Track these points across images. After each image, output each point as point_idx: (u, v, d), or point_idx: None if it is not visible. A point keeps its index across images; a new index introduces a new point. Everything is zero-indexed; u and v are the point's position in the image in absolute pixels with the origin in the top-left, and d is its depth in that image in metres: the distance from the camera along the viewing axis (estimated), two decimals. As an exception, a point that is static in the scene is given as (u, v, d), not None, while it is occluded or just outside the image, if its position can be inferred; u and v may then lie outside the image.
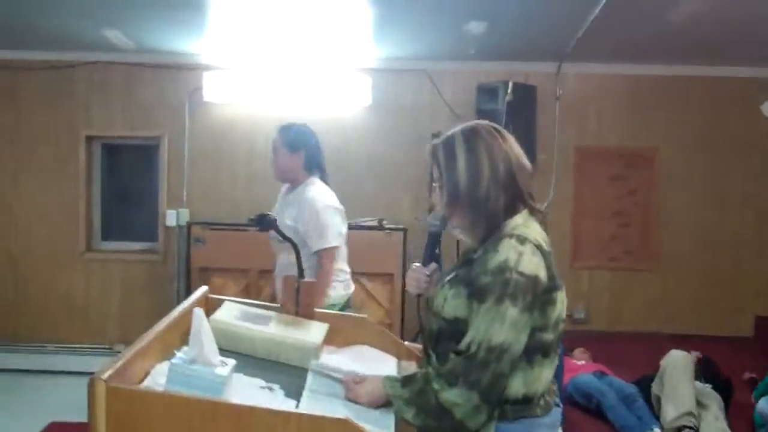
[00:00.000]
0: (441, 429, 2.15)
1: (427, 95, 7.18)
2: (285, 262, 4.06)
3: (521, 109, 6.55)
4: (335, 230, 4.02)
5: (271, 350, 2.45)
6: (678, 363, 5.28)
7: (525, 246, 2.20)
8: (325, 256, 3.96)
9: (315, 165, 4.19)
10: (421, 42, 6.51)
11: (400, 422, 2.17)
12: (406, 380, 2.23)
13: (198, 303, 2.64)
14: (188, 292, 6.29)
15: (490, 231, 2.27)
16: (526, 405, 2.23)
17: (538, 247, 2.23)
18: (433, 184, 2.41)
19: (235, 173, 7.22)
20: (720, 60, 6.95)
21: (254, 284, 6.41)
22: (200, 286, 6.05)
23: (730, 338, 6.93)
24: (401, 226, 6.71)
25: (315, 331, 2.58)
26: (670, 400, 5.07)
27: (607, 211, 7.28)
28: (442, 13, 5.59)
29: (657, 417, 5.09)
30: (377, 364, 2.58)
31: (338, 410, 2.14)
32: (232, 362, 1.98)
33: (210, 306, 2.72)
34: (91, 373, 1.81)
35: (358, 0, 5.25)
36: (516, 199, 2.30)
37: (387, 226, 6.71)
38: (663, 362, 5.39)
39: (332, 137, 7.17)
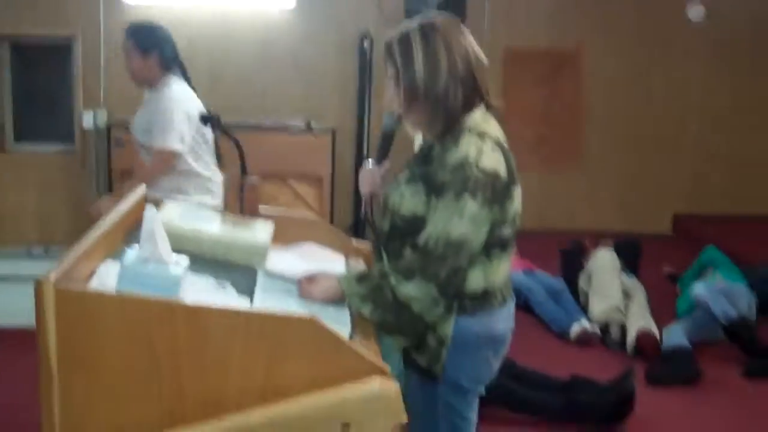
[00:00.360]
0: (398, 323, 2.14)
1: (354, -5, 7.00)
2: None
3: (452, 10, 6.41)
4: (177, 134, 3.70)
5: (218, 250, 2.37)
6: (606, 262, 5.41)
7: (485, 142, 2.16)
8: (158, 156, 3.69)
9: (172, 64, 3.87)
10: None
11: (355, 319, 2.14)
12: (362, 277, 2.20)
13: (138, 202, 2.53)
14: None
15: (449, 127, 2.22)
16: (484, 298, 2.23)
17: (497, 143, 2.20)
18: (388, 81, 2.33)
19: (155, 74, 6.96)
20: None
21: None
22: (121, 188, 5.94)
23: (651, 235, 7.11)
24: (329, 127, 6.61)
25: (262, 230, 2.52)
26: (597, 294, 5.20)
27: (534, 112, 7.30)
28: None
29: (584, 310, 5.24)
30: (325, 262, 2.54)
31: (292, 308, 2.10)
32: (185, 260, 1.90)
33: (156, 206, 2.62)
34: (10, 277, 1.72)
35: None
36: (474, 94, 2.25)
37: (314, 127, 6.60)
38: (591, 259, 5.52)
39: (256, 36, 6.99)
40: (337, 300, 2.19)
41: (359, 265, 2.63)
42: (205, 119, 2.78)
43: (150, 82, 3.84)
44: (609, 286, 5.23)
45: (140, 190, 2.63)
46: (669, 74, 7.41)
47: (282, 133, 6.39)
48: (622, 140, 7.36)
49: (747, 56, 7.47)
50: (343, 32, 7.00)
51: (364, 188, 2.45)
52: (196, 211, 2.58)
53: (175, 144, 3.65)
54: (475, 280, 2.20)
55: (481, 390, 2.33)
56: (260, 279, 2.28)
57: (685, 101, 7.48)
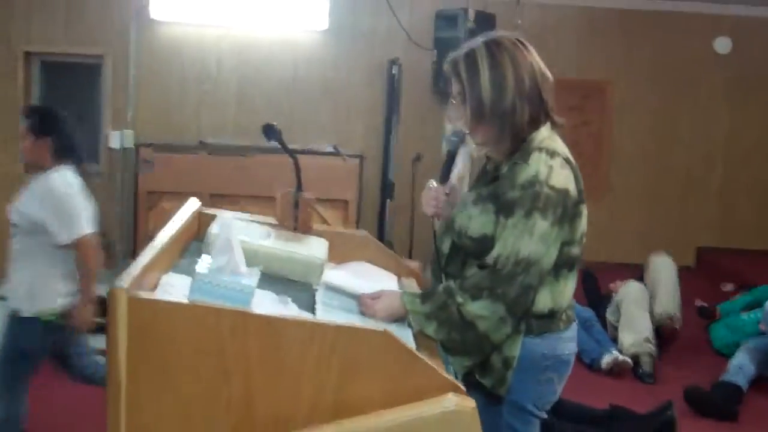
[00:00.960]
0: (464, 343, 2.09)
1: (385, 21, 7.00)
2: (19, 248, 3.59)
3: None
4: (85, 217, 3.53)
5: (275, 265, 2.33)
6: (634, 294, 5.36)
7: (555, 159, 2.13)
8: (83, 245, 3.53)
9: (67, 153, 3.64)
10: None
11: (418, 337, 2.10)
12: (426, 295, 2.16)
13: (191, 216, 2.51)
14: (135, 216, 6.12)
15: (516, 145, 2.20)
16: (551, 319, 2.19)
17: (567, 160, 2.18)
18: (452, 100, 2.31)
19: (184, 95, 6.98)
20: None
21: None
22: (147, 210, 5.94)
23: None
24: (357, 154, 6.60)
25: (317, 247, 2.49)
26: (626, 326, 5.15)
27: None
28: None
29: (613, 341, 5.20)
30: (378, 280, 2.50)
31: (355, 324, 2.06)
32: (256, 272, 1.87)
33: (202, 220, 2.60)
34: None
35: None
36: (540, 111, 2.22)
37: (343, 152, 6.58)
38: (620, 291, 5.47)
39: (285, 60, 7.01)
40: (400, 318, 2.15)
41: (411, 284, 2.59)
42: (268, 130, 2.75)
43: (40, 167, 3.64)
44: (638, 318, 5.18)
45: (194, 204, 2.60)
46: (695, 107, 7.40)
47: (310, 157, 6.36)
48: (647, 172, 7.33)
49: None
50: (372, 57, 7.02)
51: (428, 209, 2.40)
52: (249, 226, 2.54)
53: (88, 227, 3.52)
54: (543, 301, 2.16)
55: (544, 414, 2.28)
56: (320, 295, 2.24)
57: (711, 134, 7.46)
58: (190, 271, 2.12)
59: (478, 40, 2.27)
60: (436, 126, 6.87)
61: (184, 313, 1.70)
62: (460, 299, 2.06)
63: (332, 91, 7.04)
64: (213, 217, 2.59)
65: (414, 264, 2.76)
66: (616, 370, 4.89)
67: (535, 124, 2.21)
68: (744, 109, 7.44)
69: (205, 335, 1.70)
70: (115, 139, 6.85)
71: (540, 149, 2.15)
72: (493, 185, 2.21)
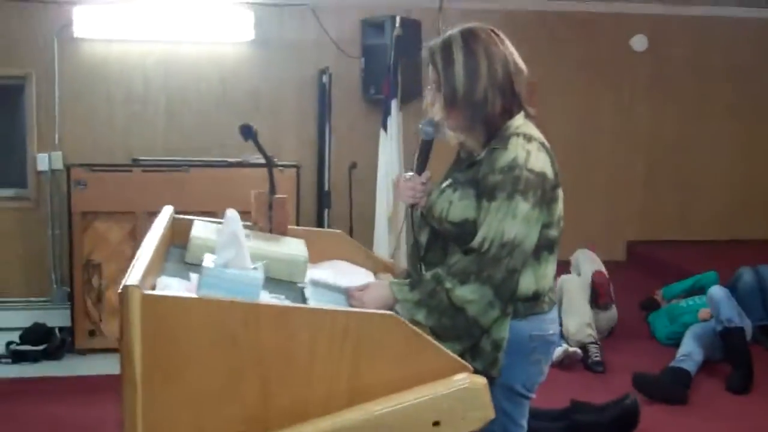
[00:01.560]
0: (455, 327, 2.12)
1: (312, 31, 7.02)
2: None
3: (408, 45, 6.52)
4: None
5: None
6: (576, 282, 5.50)
7: (532, 144, 2.20)
8: None
9: None
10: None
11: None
12: (414, 283, 2.19)
13: (167, 223, 2.49)
14: (70, 238, 5.97)
15: (490, 133, 2.26)
16: (535, 301, 2.25)
17: (543, 144, 2.25)
18: (428, 87, 2.36)
19: (112, 114, 6.85)
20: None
21: (141, 227, 6.11)
22: (82, 231, 5.81)
23: (605, 262, 7.23)
24: (294, 163, 6.59)
25: (296, 246, 2.49)
26: (569, 313, 5.27)
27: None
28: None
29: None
30: (356, 277, 2.52)
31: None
32: (261, 266, 1.87)
33: (178, 227, 2.58)
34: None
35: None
36: (513, 101, 2.29)
37: (279, 163, 6.55)
38: (558, 283, 5.58)
39: (213, 73, 6.96)
40: (389, 308, 2.17)
41: (388, 279, 2.61)
42: (245, 130, 2.75)
43: None
44: (579, 304, 5.32)
45: (168, 210, 2.59)
46: (618, 103, 7.64)
47: (246, 169, 6.32)
48: (575, 170, 7.49)
49: (689, 85, 7.73)
50: (302, 67, 7.02)
51: (407, 199, 2.44)
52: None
53: None
54: (527, 283, 2.21)
55: (533, 395, 2.33)
56: (308, 292, 2.25)
57: (634, 130, 7.70)
58: (180, 274, 2.12)
59: (455, 30, 2.34)
60: (369, 133, 6.91)
61: (197, 307, 1.70)
62: (448, 285, 2.10)
63: (263, 102, 7.02)
64: (188, 223, 2.58)
65: (388, 260, 2.80)
66: (567, 362, 4.99)
67: (507, 115, 2.28)
68: (663, 104, 7.70)
69: (218, 329, 1.70)
70: (43, 161, 6.68)
71: (517, 134, 2.22)
72: (471, 170, 2.26)
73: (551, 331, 2.32)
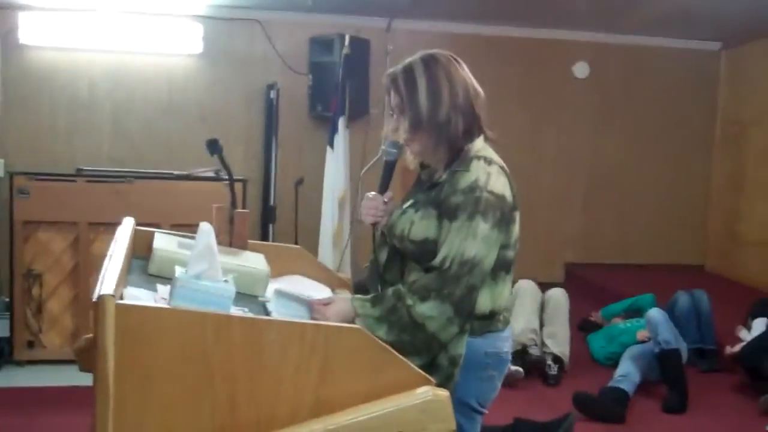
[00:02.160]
0: (414, 343, 2.18)
1: (260, 46, 7.08)
2: None
3: (356, 63, 6.61)
4: None
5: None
6: (528, 291, 5.61)
7: (492, 167, 2.29)
8: None
9: None
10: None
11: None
12: (376, 299, 2.24)
13: (130, 235, 2.50)
14: (11, 247, 5.87)
15: (452, 154, 2.34)
16: (490, 320, 2.32)
17: (502, 168, 2.33)
18: (390, 113, 2.43)
19: (56, 122, 6.78)
20: (539, 23, 7.37)
21: (84, 237, 6.05)
22: (24, 240, 5.73)
23: (544, 284, 7.38)
24: (240, 177, 6.59)
25: (257, 260, 2.53)
26: (518, 316, 5.38)
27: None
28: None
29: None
30: (313, 293, 2.57)
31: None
32: (231, 279, 1.91)
33: (138, 238, 2.59)
34: None
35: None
36: (474, 124, 2.37)
37: (224, 177, 6.54)
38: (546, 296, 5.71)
39: (160, 85, 6.94)
40: (350, 322, 2.22)
41: (345, 295, 2.67)
42: (212, 145, 2.79)
43: None
44: (528, 309, 5.47)
45: (129, 222, 2.60)
46: (560, 128, 7.82)
47: (191, 182, 6.30)
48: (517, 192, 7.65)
49: (626, 111, 7.95)
50: (249, 82, 7.06)
51: (368, 218, 2.50)
52: (188, 241, 2.56)
53: None
54: (483, 302, 2.29)
55: (485, 410, 2.41)
56: (271, 305, 2.29)
57: (574, 154, 7.89)
58: (145, 285, 2.15)
59: (416, 56, 2.41)
60: (315, 150, 6.98)
61: (170, 318, 1.73)
62: (409, 301, 2.16)
63: (209, 115, 7.03)
64: (147, 235, 2.60)
65: (345, 276, 2.85)
66: (509, 380, 5.07)
67: (469, 136, 2.36)
68: (603, 130, 7.91)
69: (190, 339, 1.73)
70: (-16, 169, 6.59)
71: (478, 158, 2.30)
72: (433, 192, 2.33)
73: (505, 349, 2.40)
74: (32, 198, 5.99)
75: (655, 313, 5.10)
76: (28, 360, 5.49)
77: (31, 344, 5.59)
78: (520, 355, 5.22)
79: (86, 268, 5.76)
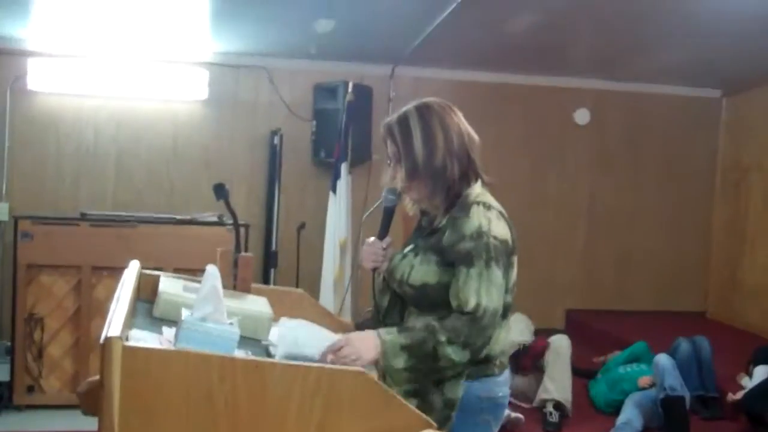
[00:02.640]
0: (420, 372, 2.22)
1: (265, 93, 7.16)
2: None
3: (359, 110, 6.70)
4: None
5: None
6: (566, 347, 5.63)
7: (491, 212, 2.33)
8: None
9: None
10: (262, 37, 6.49)
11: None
12: (403, 329, 2.28)
13: (136, 278, 2.53)
14: (13, 291, 5.90)
15: (450, 200, 2.38)
16: (486, 364, 2.35)
17: (501, 213, 2.37)
18: (387, 162, 2.48)
19: (61, 167, 6.84)
20: (540, 70, 7.46)
21: (87, 281, 6.08)
22: (26, 283, 5.75)
23: (544, 330, 7.38)
24: (243, 222, 6.63)
25: (260, 303, 2.56)
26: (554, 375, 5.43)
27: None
28: (290, 8, 5.61)
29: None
30: (317, 337, 2.58)
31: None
32: (236, 321, 1.93)
33: (143, 282, 2.62)
34: None
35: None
36: (469, 169, 2.41)
37: (227, 222, 6.59)
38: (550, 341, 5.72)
39: (165, 130, 7.01)
40: (372, 347, 2.22)
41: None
42: (218, 190, 2.84)
43: None
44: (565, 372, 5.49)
45: (135, 265, 2.63)
46: (561, 174, 7.86)
47: (194, 227, 6.34)
48: (518, 238, 7.66)
49: (626, 158, 8.01)
50: (253, 127, 7.14)
51: (368, 264, 2.53)
52: (192, 285, 2.59)
53: None
54: (481, 347, 2.31)
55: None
56: (273, 349, 2.30)
57: (575, 200, 7.92)
58: (150, 328, 2.17)
59: (410, 105, 2.47)
60: (318, 195, 7.03)
61: (175, 359, 1.75)
62: (442, 338, 2.17)
63: (213, 161, 7.08)
64: (152, 278, 2.63)
65: (347, 321, 2.87)
66: (510, 428, 5.07)
67: (465, 181, 2.40)
68: (604, 176, 7.95)
69: (194, 381, 1.75)
70: (-11, 212, 6.63)
71: (477, 203, 2.34)
72: (433, 238, 2.37)
73: (501, 394, 2.42)
74: (36, 242, 6.05)
75: (664, 359, 5.10)
76: (28, 405, 5.49)
77: (31, 389, 5.60)
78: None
79: (88, 312, 5.80)
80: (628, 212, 8.04)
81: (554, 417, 5.18)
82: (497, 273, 2.22)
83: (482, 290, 2.21)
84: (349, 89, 6.57)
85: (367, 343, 2.25)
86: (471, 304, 2.21)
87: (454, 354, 2.17)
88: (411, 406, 1.91)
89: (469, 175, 2.41)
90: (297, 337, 2.32)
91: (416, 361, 2.19)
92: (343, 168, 6.48)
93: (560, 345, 5.62)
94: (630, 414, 4.91)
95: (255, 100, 7.17)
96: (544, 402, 5.29)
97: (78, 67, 6.66)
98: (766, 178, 7.48)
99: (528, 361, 5.64)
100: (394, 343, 2.21)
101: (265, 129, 7.14)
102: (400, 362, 2.18)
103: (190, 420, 1.76)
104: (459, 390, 2.27)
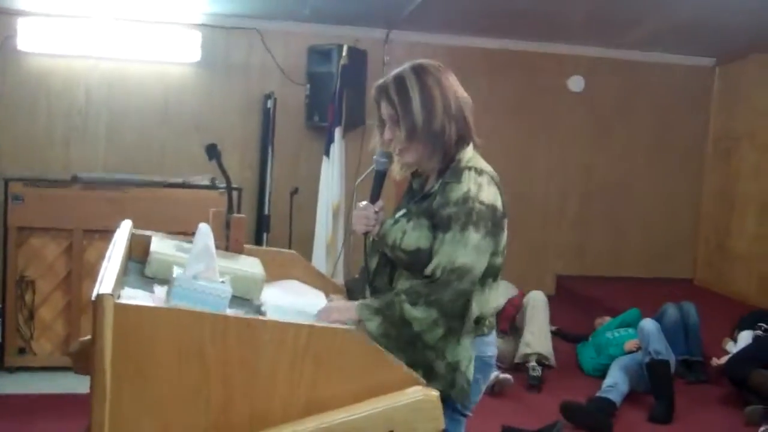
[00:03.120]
0: (399, 338, 2.22)
1: (258, 55, 7.14)
2: None
3: (354, 74, 6.66)
4: None
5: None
6: (543, 301, 5.71)
7: (482, 177, 2.33)
8: None
9: None
10: (255, -2, 6.46)
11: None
12: (377, 296, 2.33)
13: (127, 238, 2.53)
14: (4, 254, 5.89)
15: (445, 163, 2.38)
16: (476, 325, 2.36)
17: (492, 177, 2.37)
18: (378, 124, 2.47)
19: (52, 129, 6.82)
20: (535, 36, 7.44)
21: (78, 244, 6.06)
22: (17, 246, 5.74)
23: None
24: (236, 186, 6.62)
25: (252, 264, 2.57)
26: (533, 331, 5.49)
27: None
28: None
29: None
30: (308, 297, 2.61)
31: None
32: (228, 280, 1.95)
33: (135, 242, 2.62)
34: None
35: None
36: (465, 131, 2.41)
37: (220, 185, 6.57)
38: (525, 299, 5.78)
39: (157, 93, 6.98)
40: (350, 313, 2.26)
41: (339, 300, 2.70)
42: (211, 150, 2.83)
43: None
44: (543, 323, 5.56)
45: (127, 224, 2.63)
46: (553, 141, 7.88)
47: (186, 190, 6.32)
48: (508, 204, 7.68)
49: (619, 126, 8.02)
50: (246, 90, 7.11)
51: (360, 227, 2.53)
52: (185, 245, 2.59)
53: None
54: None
55: (470, 413, 2.44)
56: (265, 308, 2.32)
57: (567, 167, 7.95)
58: (142, 287, 2.18)
59: (405, 66, 2.45)
60: (311, 159, 7.03)
61: (167, 317, 1.77)
62: (403, 298, 2.20)
63: (205, 124, 7.05)
64: (143, 239, 2.63)
65: (339, 282, 2.89)
66: (498, 389, 5.11)
67: (461, 144, 2.40)
68: (596, 144, 7.98)
69: (186, 339, 1.77)
70: (-22, 174, 6.59)
71: (469, 168, 2.34)
72: (425, 202, 2.37)
73: (489, 353, 2.45)
74: (27, 204, 6.00)
75: (648, 324, 5.15)
76: (19, 366, 5.50)
77: (22, 351, 5.60)
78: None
79: (79, 275, 5.77)
80: (620, 179, 8.07)
81: (537, 371, 5.25)
82: (474, 236, 2.22)
83: (447, 252, 2.22)
84: (344, 52, 6.52)
85: (339, 304, 2.33)
86: (430, 267, 2.24)
87: (419, 312, 2.18)
88: (401, 363, 1.93)
89: (465, 137, 2.42)
90: (275, 298, 2.34)
91: (389, 324, 2.20)
92: (337, 132, 6.46)
93: (536, 299, 5.69)
94: (616, 377, 4.96)
95: (248, 62, 7.14)
96: (527, 357, 5.35)
97: (69, 28, 6.60)
98: (757, 147, 7.51)
99: (505, 323, 5.67)
100: (368, 305, 2.25)
101: (258, 92, 7.11)
102: (374, 325, 2.20)
103: (182, 377, 1.78)
104: (458, 353, 2.28)
